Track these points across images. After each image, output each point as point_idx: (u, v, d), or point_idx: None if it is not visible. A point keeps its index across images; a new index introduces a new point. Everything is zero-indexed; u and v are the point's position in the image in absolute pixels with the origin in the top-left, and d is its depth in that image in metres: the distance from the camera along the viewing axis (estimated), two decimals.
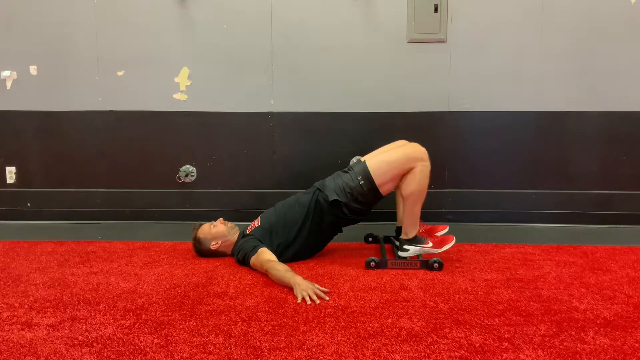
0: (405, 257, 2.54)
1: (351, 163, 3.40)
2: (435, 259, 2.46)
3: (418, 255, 2.55)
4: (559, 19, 3.27)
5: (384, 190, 2.52)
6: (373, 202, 2.57)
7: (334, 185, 2.56)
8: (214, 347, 1.69)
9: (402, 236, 2.58)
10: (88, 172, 3.58)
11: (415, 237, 2.55)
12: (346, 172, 2.60)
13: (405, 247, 2.55)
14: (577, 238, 3.04)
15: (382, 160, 2.53)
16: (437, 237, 2.63)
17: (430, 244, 2.54)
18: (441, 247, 2.53)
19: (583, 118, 3.33)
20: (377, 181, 2.49)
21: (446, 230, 2.75)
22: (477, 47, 3.32)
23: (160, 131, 3.52)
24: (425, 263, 2.47)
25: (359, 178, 2.50)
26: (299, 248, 2.59)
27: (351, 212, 2.55)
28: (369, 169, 2.50)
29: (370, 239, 2.98)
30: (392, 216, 2.90)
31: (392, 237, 2.90)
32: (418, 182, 2.47)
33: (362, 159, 2.60)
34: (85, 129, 3.54)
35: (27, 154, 3.59)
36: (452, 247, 2.55)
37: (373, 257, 2.50)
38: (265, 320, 1.90)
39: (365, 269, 2.47)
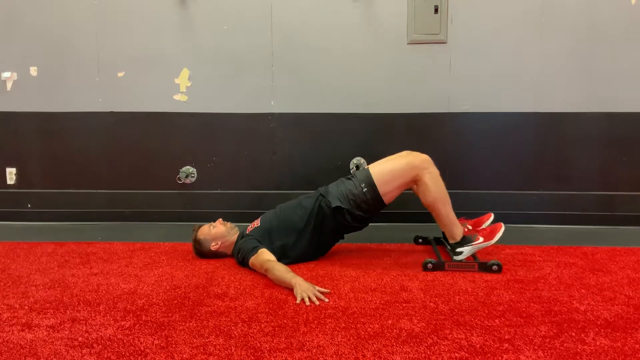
0: (461, 260, 2.49)
1: (351, 165, 3.41)
2: (493, 261, 2.43)
3: (474, 257, 2.51)
4: (559, 20, 3.27)
5: (387, 198, 2.52)
6: (376, 210, 2.57)
7: (337, 192, 2.56)
8: (214, 348, 1.69)
9: (451, 241, 2.55)
10: (88, 173, 3.58)
11: (464, 237, 2.52)
12: (349, 179, 2.60)
13: (458, 250, 2.51)
14: (577, 239, 3.04)
15: (386, 169, 2.53)
16: (485, 229, 2.58)
17: (481, 239, 2.50)
18: (493, 238, 2.48)
19: (583, 119, 3.33)
20: (380, 189, 2.49)
21: (492, 218, 2.73)
22: (477, 48, 3.32)
23: (160, 132, 3.52)
24: (484, 265, 2.43)
25: (362, 185, 2.50)
26: (300, 251, 2.58)
27: (353, 219, 2.55)
28: (373, 177, 2.50)
29: (420, 240, 2.94)
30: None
31: (442, 239, 2.83)
32: (433, 188, 2.46)
33: (366, 166, 2.59)
34: (86, 130, 3.54)
35: (27, 155, 3.59)
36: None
37: (430, 259, 2.47)
38: (266, 321, 1.90)
39: (365, 270, 2.47)
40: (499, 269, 2.42)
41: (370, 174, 2.51)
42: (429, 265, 2.46)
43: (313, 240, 2.59)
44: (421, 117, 3.39)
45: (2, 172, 3.61)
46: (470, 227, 2.67)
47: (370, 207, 2.54)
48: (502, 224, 2.52)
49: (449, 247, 2.60)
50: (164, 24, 3.44)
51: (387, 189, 2.50)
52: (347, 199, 2.52)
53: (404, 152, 2.64)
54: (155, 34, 3.44)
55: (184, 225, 3.35)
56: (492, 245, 2.51)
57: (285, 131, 3.47)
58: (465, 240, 2.51)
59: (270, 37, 3.40)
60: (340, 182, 2.62)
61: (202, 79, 3.47)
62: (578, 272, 2.43)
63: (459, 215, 2.59)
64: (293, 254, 2.57)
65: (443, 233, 2.72)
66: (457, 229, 2.53)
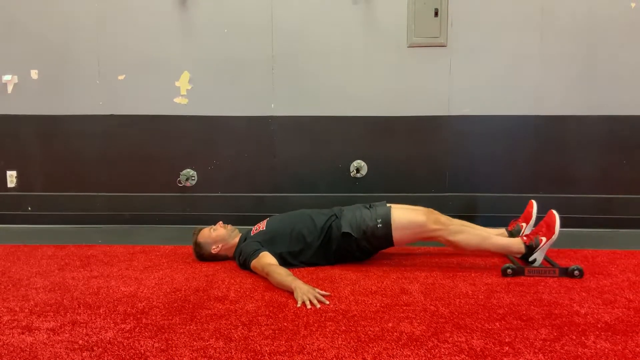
0: (540, 266, 2.45)
1: (351, 167, 3.41)
2: (574, 266, 2.38)
3: (552, 263, 2.48)
4: (559, 23, 3.28)
5: (396, 242, 2.53)
6: (381, 247, 2.59)
7: (351, 218, 2.56)
8: (215, 351, 1.69)
9: (519, 256, 2.51)
10: (89, 176, 3.58)
11: (527, 246, 2.47)
12: (367, 208, 2.59)
13: (530, 259, 2.46)
14: (577, 242, 3.03)
15: (406, 216, 2.52)
16: (541, 226, 2.51)
17: (544, 239, 2.45)
18: (554, 232, 2.43)
19: (583, 122, 3.33)
20: (394, 232, 2.50)
21: (535, 206, 2.71)
22: (477, 52, 3.33)
23: (161, 135, 3.53)
24: (565, 271, 2.39)
25: (379, 221, 2.50)
26: (302, 262, 2.58)
27: (358, 248, 2.56)
28: (392, 217, 2.50)
29: None
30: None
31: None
32: (463, 241, 2.48)
33: (388, 204, 2.59)
34: (86, 133, 3.55)
35: (28, 157, 3.60)
36: (449, 250, 2.53)
37: (510, 265, 2.42)
38: (266, 324, 1.90)
39: (365, 273, 2.46)
40: (581, 274, 2.36)
41: (390, 214, 2.51)
42: (509, 270, 2.40)
43: (317, 255, 2.58)
44: (421, 120, 3.39)
45: (3, 175, 3.62)
46: (525, 229, 2.64)
47: (378, 243, 2.55)
48: (554, 212, 2.47)
49: (523, 260, 2.54)
50: (164, 27, 3.44)
51: (400, 235, 2.51)
52: (359, 228, 2.52)
53: (426, 209, 2.59)
54: (155, 37, 3.45)
55: (185, 228, 3.34)
56: (556, 234, 2.44)
57: (286, 134, 3.48)
58: (530, 248, 2.46)
59: (271, 40, 3.41)
60: (357, 209, 2.61)
61: (203, 82, 3.47)
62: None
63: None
64: (295, 262, 2.57)
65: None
66: (515, 247, 2.49)
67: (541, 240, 2.46)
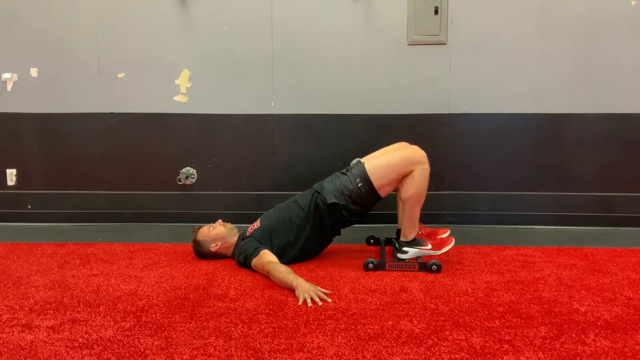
0: (404, 259, 2.53)
1: (351, 165, 3.40)
2: (433, 261, 2.46)
3: (417, 258, 2.55)
4: (559, 21, 3.27)
5: (382, 192, 2.52)
6: (372, 203, 2.58)
7: (332, 188, 2.56)
8: (214, 349, 1.69)
9: (401, 238, 2.58)
10: (88, 174, 3.58)
11: (415, 239, 2.55)
12: (344, 173, 2.59)
13: (404, 249, 2.55)
14: (577, 240, 3.03)
15: (381, 163, 2.52)
16: (437, 239, 2.62)
17: (429, 246, 2.54)
18: (440, 249, 2.53)
19: (583, 120, 3.33)
20: (375, 184, 2.49)
21: (447, 233, 2.75)
22: (477, 50, 3.32)
23: (160, 133, 3.52)
24: (424, 265, 2.47)
25: (357, 180, 2.50)
26: (299, 250, 2.58)
27: (350, 214, 2.55)
28: (368, 171, 2.50)
29: (371, 240, 2.97)
30: (395, 218, 2.88)
31: (393, 239, 2.88)
32: (417, 185, 2.47)
33: (362, 160, 2.60)
34: (86, 131, 3.54)
35: (27, 156, 3.59)
36: (452, 248, 2.55)
37: (372, 259, 2.50)
38: (266, 322, 1.90)
39: (365, 271, 2.47)
40: (438, 269, 2.44)
41: (365, 169, 2.51)
42: (370, 265, 2.48)
43: (312, 237, 2.59)
44: (421, 118, 3.39)
45: (3, 173, 3.62)
46: (424, 233, 2.69)
47: (366, 201, 2.54)
48: (453, 239, 2.57)
49: (397, 244, 2.63)
50: (164, 25, 3.44)
51: (383, 183, 2.50)
52: (342, 194, 2.52)
53: (400, 144, 2.65)
54: (155, 35, 3.45)
55: (184, 226, 3.34)
56: (441, 254, 2.56)
57: (286, 132, 3.48)
58: (414, 242, 2.54)
59: (271, 38, 3.40)
60: (335, 177, 2.62)
61: (203, 80, 3.47)
62: (578, 273, 2.43)
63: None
64: (293, 252, 2.57)
65: (397, 232, 2.73)
66: (413, 231, 2.55)
67: (427, 245, 2.54)
